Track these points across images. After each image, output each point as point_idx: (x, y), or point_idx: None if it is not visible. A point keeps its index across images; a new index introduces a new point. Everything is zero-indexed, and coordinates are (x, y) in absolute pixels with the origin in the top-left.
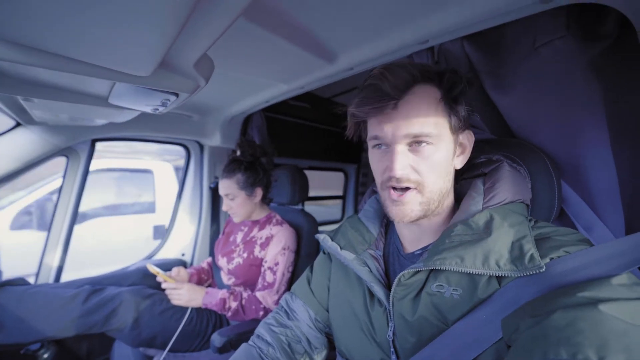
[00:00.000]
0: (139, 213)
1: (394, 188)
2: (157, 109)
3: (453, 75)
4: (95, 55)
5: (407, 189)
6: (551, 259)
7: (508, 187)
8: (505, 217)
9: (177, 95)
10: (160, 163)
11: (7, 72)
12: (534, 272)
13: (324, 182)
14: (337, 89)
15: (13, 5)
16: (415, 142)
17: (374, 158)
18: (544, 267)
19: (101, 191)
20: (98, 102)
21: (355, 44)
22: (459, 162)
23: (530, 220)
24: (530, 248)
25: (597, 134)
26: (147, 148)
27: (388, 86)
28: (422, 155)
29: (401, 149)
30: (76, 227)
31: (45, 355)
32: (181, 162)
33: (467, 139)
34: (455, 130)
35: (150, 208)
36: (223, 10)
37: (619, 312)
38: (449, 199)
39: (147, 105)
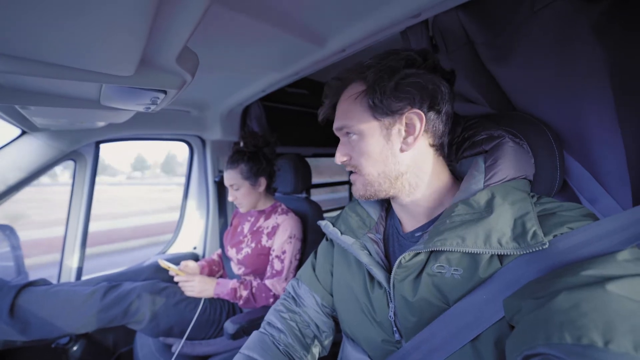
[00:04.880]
0: None
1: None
2: (149, 108)
3: (378, 64)
4: (75, 59)
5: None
6: (554, 236)
7: (510, 163)
8: (506, 195)
9: (165, 92)
10: None
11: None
12: (537, 249)
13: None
14: (335, 73)
15: None
16: (347, 134)
17: None
18: (547, 243)
19: None
20: (91, 104)
21: (343, 24)
22: (408, 144)
23: (533, 197)
24: (533, 225)
25: (601, 102)
26: None
27: (329, 92)
28: (352, 144)
29: (342, 140)
30: None
31: (75, 348)
32: None
33: (416, 118)
34: (386, 116)
35: None
36: (190, 1)
37: (626, 290)
38: (437, 179)
39: (138, 105)
